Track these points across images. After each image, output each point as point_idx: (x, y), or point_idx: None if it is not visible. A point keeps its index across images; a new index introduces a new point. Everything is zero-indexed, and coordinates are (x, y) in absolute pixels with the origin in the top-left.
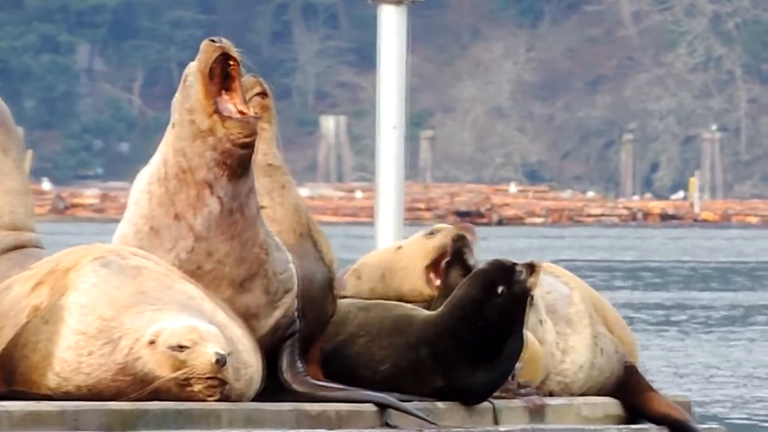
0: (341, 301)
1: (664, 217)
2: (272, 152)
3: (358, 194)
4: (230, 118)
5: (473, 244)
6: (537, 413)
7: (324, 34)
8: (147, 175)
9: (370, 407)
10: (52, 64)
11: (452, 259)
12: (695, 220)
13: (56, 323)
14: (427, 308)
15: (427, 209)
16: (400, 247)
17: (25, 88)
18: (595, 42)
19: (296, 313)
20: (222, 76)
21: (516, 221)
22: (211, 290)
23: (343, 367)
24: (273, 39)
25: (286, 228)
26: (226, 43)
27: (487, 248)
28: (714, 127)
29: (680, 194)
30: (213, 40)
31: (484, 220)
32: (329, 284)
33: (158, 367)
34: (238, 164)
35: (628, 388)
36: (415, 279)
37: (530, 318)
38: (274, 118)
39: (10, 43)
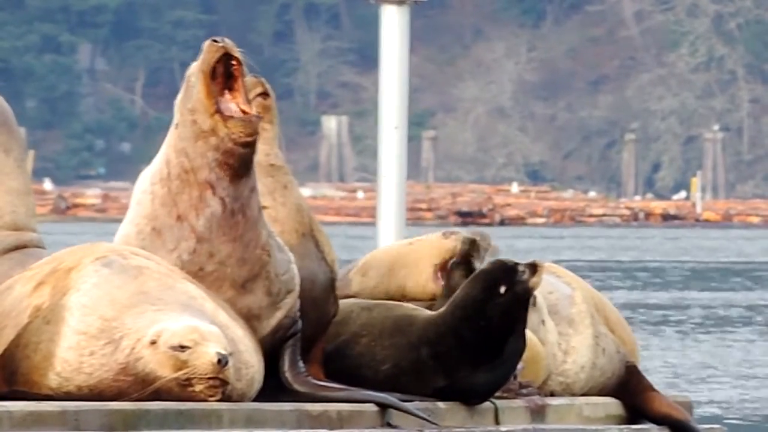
0: (343, 302)
1: (666, 218)
2: (274, 152)
3: (360, 194)
4: (232, 117)
5: (483, 250)
6: (538, 413)
7: (326, 34)
8: (150, 176)
9: (371, 407)
10: (54, 64)
11: (458, 260)
12: (697, 220)
13: (58, 323)
14: (428, 308)
15: (429, 209)
16: (412, 243)
17: (26, 88)
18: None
19: (298, 314)
20: (225, 76)
21: (518, 221)
22: (212, 291)
23: (345, 367)
24: (275, 39)
25: (288, 228)
26: (229, 43)
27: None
28: (716, 127)
29: (682, 194)
30: (215, 41)
31: (486, 221)
32: (331, 284)
33: (160, 367)
34: (240, 164)
35: (629, 389)
36: (421, 275)
37: (532, 318)
38: (276, 119)
39: (11, 43)
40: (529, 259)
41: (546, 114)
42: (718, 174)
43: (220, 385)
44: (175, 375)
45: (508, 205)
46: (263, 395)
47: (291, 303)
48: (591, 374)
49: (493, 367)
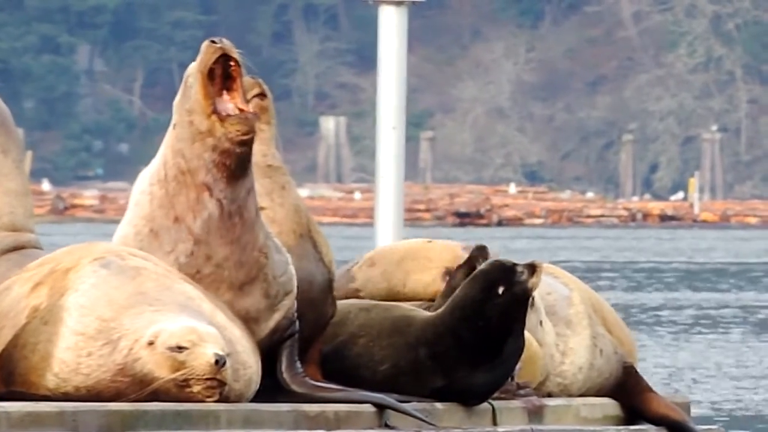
0: (341, 302)
1: (664, 218)
2: (271, 153)
3: (358, 195)
4: (229, 116)
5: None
6: (536, 414)
7: (324, 35)
8: (148, 177)
9: (369, 408)
10: (53, 64)
11: (464, 263)
12: (695, 221)
13: (55, 324)
14: (425, 309)
15: (427, 210)
16: (431, 241)
17: (25, 88)
18: (596, 42)
19: (295, 315)
20: (223, 76)
21: (516, 222)
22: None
23: (343, 367)
24: (273, 40)
25: (286, 229)
26: (227, 44)
27: None
28: (714, 127)
29: (680, 195)
30: (213, 41)
31: (484, 221)
32: (329, 285)
33: (157, 367)
34: (237, 165)
35: (627, 389)
36: (429, 272)
37: (530, 319)
38: (273, 119)
39: (10, 43)
40: (527, 260)
41: (544, 114)
42: (716, 175)
43: (218, 385)
44: (173, 376)
45: (506, 205)
46: (261, 396)
47: (289, 304)
48: (589, 375)
49: (492, 367)
